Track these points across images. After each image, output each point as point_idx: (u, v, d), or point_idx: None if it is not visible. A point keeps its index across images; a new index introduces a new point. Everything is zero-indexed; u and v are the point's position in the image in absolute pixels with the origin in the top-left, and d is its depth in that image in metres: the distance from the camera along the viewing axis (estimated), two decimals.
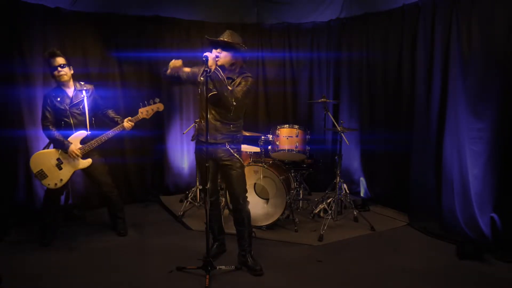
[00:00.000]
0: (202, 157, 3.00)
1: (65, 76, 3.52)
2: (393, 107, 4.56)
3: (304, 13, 5.31)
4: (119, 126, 3.57)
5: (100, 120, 3.74)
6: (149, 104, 3.63)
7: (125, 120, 3.59)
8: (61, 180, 3.49)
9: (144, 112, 3.62)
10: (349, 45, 5.10)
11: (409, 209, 4.28)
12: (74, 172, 3.57)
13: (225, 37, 2.94)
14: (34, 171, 3.44)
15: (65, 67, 3.52)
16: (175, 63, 2.97)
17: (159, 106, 3.68)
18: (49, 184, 3.47)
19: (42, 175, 3.44)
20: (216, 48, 2.91)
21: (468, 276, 2.99)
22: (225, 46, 2.92)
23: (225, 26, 5.09)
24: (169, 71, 3.00)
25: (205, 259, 2.88)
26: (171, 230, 3.99)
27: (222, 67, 2.90)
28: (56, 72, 3.49)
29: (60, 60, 3.49)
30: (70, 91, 3.57)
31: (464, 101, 3.59)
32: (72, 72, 3.59)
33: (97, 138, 3.54)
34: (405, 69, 4.32)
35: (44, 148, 3.59)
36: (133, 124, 3.61)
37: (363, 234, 3.87)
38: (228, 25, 5.19)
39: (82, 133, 3.53)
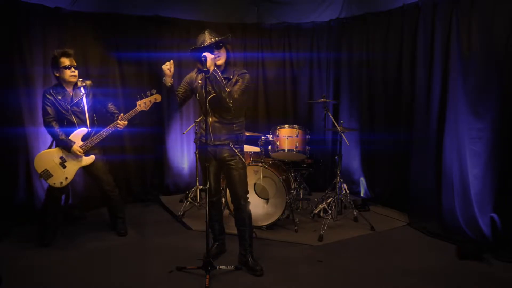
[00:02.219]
0: (205, 157, 3.00)
1: (75, 78, 3.53)
2: (393, 107, 4.55)
3: (304, 13, 5.31)
4: (113, 124, 3.55)
5: (102, 117, 3.74)
6: (146, 96, 3.58)
7: (119, 118, 3.55)
8: (66, 178, 3.50)
9: (142, 104, 3.56)
10: (349, 45, 5.10)
11: (409, 209, 4.28)
12: (78, 170, 3.56)
13: (209, 37, 2.89)
14: (39, 171, 3.45)
15: (77, 69, 3.53)
16: (168, 68, 2.91)
17: (157, 97, 3.62)
18: (54, 183, 3.47)
19: (47, 174, 3.45)
20: (211, 52, 2.85)
21: (468, 276, 2.99)
22: (218, 45, 2.91)
23: (225, 26, 5.15)
24: (170, 82, 2.97)
25: (205, 259, 2.88)
26: (171, 230, 3.99)
27: (218, 67, 2.90)
28: (69, 72, 3.47)
29: (73, 61, 3.50)
30: (70, 90, 3.57)
31: (464, 101, 3.59)
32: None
33: (98, 134, 3.54)
34: (405, 69, 4.32)
35: (48, 148, 3.59)
36: (125, 122, 3.56)
37: (363, 234, 3.87)
38: (228, 25, 5.21)
39: (82, 130, 3.54)
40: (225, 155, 3.01)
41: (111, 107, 3.74)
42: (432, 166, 3.95)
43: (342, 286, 2.88)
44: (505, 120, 3.32)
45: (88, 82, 3.68)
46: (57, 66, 3.48)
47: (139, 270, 3.07)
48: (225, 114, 2.97)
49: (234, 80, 2.94)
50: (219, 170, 3.13)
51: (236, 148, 3.03)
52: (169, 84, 2.97)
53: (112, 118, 3.65)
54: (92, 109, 3.64)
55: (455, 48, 3.65)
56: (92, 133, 3.56)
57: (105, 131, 3.54)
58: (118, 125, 3.54)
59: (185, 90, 3.11)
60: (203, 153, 3.06)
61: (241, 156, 3.05)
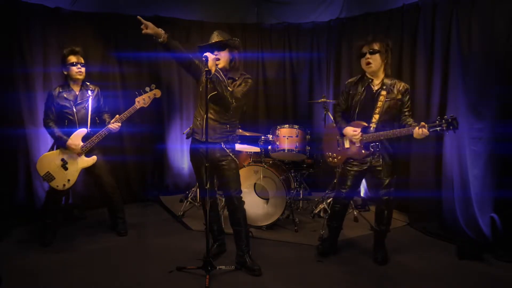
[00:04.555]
0: (199, 157, 3.01)
1: (81, 74, 3.54)
2: None
3: (304, 13, 5.31)
4: (106, 127, 3.54)
5: (102, 120, 3.75)
6: (145, 92, 3.58)
7: (112, 120, 3.54)
8: (69, 180, 3.50)
9: (141, 101, 3.57)
10: (349, 45, 5.10)
11: (409, 209, 4.28)
12: (80, 171, 3.56)
13: (215, 38, 2.91)
14: (41, 174, 3.45)
15: (84, 66, 3.55)
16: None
17: (156, 93, 3.61)
18: (57, 186, 3.48)
19: (49, 177, 3.45)
20: (212, 52, 2.86)
21: (468, 276, 2.99)
22: (220, 46, 2.91)
23: (225, 26, 5.14)
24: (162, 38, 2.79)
25: (205, 259, 2.88)
26: (171, 230, 3.99)
27: (223, 68, 2.90)
28: (75, 68, 3.49)
29: (81, 59, 3.53)
30: (77, 90, 3.59)
31: (464, 101, 3.59)
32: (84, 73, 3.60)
33: (97, 134, 3.54)
34: (405, 69, 4.32)
35: (48, 150, 3.59)
36: (119, 124, 3.55)
37: (363, 234, 3.87)
38: (228, 25, 5.21)
39: (82, 131, 3.54)
40: (217, 155, 3.01)
41: (106, 116, 3.71)
42: (432, 166, 3.95)
43: (342, 286, 2.88)
44: (505, 120, 3.32)
45: (95, 87, 3.69)
46: (64, 63, 3.52)
47: (139, 270, 3.07)
48: (222, 114, 2.97)
49: (238, 82, 2.95)
50: (212, 170, 3.11)
51: (227, 148, 3.03)
52: (162, 39, 2.79)
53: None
54: (95, 111, 3.65)
55: (455, 48, 3.65)
56: (92, 134, 3.56)
57: (104, 131, 3.54)
58: (110, 128, 3.52)
59: (193, 63, 2.97)
60: (196, 152, 3.05)
61: (233, 156, 3.04)
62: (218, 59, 2.87)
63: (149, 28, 2.76)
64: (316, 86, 5.48)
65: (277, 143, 4.16)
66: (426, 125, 2.74)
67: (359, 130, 3.06)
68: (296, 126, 4.19)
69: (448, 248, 3.48)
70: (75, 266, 3.15)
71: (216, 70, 2.78)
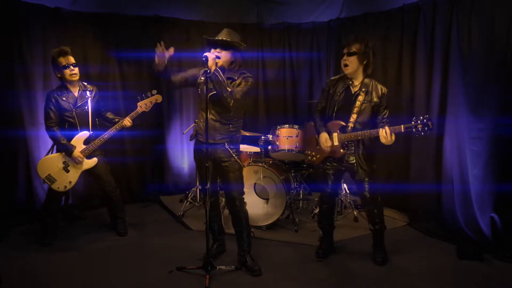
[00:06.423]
0: (201, 157, 3.00)
1: (76, 76, 3.49)
2: (393, 107, 4.53)
3: (304, 13, 5.31)
4: (118, 123, 3.57)
5: (102, 121, 3.75)
6: (147, 97, 3.63)
7: (126, 118, 3.59)
8: (70, 182, 3.50)
9: (143, 105, 3.61)
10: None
11: (409, 209, 4.28)
12: (81, 173, 3.56)
13: (223, 36, 2.90)
14: (42, 177, 3.44)
15: (76, 66, 3.50)
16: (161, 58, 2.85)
17: (157, 98, 3.67)
18: (58, 188, 3.47)
19: (50, 179, 3.44)
20: (215, 48, 2.88)
21: (468, 276, 2.99)
22: (224, 46, 2.90)
23: (225, 26, 5.11)
24: (158, 68, 2.89)
25: (205, 259, 2.89)
26: (171, 230, 3.99)
27: (222, 67, 2.89)
28: (68, 71, 3.43)
29: (72, 59, 3.45)
30: (76, 92, 3.55)
31: (464, 101, 3.59)
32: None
33: (99, 137, 3.53)
34: (405, 69, 4.32)
35: (48, 153, 3.58)
36: (131, 120, 3.61)
37: (363, 234, 3.86)
38: (228, 25, 5.19)
39: (85, 134, 3.53)
40: (221, 155, 3.00)
41: (110, 115, 3.73)
42: (432, 166, 3.95)
43: (342, 286, 2.88)
44: (505, 120, 3.32)
45: (93, 87, 3.68)
46: (56, 66, 3.45)
47: (139, 270, 3.07)
48: (224, 114, 2.95)
49: (238, 81, 2.92)
50: (215, 170, 3.11)
51: (231, 148, 3.01)
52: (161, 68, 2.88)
53: (111, 125, 3.64)
54: (95, 112, 3.64)
55: (455, 48, 3.65)
56: (94, 137, 3.56)
57: (107, 134, 3.54)
58: (124, 124, 3.55)
59: (184, 80, 3.04)
60: (199, 152, 3.05)
61: (236, 157, 3.03)
62: (218, 58, 2.86)
63: (167, 53, 2.86)
64: (316, 86, 5.47)
65: (277, 143, 4.16)
66: (388, 128, 2.83)
67: (330, 144, 3.12)
68: (296, 126, 4.18)
69: (448, 248, 3.48)
70: (75, 266, 3.15)
71: (215, 70, 2.77)
